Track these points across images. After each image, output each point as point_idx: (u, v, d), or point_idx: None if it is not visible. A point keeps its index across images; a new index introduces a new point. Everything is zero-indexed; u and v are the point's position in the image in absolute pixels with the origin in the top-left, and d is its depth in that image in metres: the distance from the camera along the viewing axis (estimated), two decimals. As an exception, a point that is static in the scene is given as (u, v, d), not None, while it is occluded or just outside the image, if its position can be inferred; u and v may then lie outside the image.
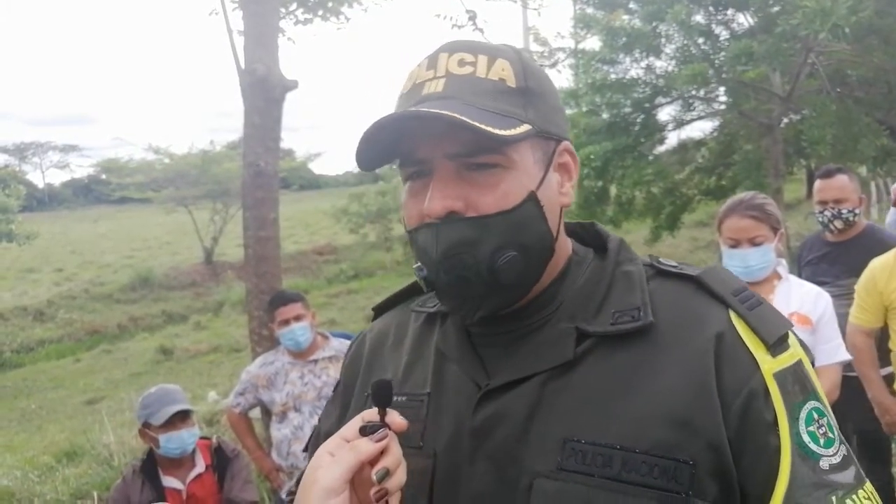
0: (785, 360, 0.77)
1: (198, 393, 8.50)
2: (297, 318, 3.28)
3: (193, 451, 2.82)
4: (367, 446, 0.71)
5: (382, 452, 0.72)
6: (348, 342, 3.76)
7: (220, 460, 2.88)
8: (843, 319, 2.62)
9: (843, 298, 2.90)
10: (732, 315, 0.78)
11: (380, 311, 1.06)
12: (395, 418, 0.75)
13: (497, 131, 0.73)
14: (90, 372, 13.07)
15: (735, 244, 2.27)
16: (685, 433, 0.72)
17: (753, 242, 2.24)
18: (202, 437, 2.92)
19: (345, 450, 0.72)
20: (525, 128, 0.77)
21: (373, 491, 0.71)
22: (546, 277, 0.84)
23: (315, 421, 3.21)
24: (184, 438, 2.73)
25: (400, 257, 20.23)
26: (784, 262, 2.41)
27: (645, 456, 0.71)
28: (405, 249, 20.53)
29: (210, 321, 15.83)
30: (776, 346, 0.77)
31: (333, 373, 3.29)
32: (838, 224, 3.11)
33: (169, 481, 2.77)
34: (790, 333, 0.80)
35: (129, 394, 9.24)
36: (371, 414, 0.75)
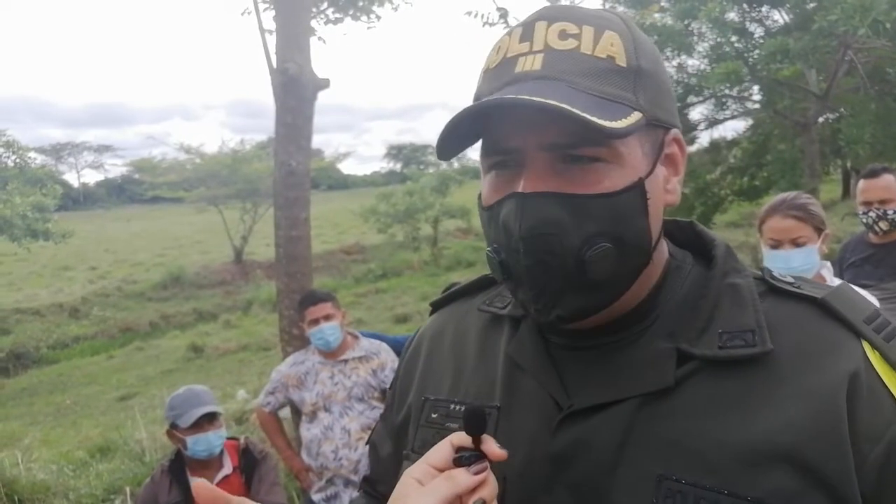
0: None
1: (227, 391, 8.59)
2: (327, 318, 3.27)
3: (221, 453, 2.82)
4: (466, 479, 0.64)
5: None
6: (378, 342, 3.75)
7: (248, 462, 2.88)
8: (888, 324, 2.53)
9: (888, 302, 2.80)
10: (866, 347, 0.66)
11: (438, 306, 0.96)
12: (494, 448, 0.66)
13: (606, 123, 0.62)
14: (123, 369, 13.30)
15: (777, 245, 2.20)
16: (806, 481, 0.61)
17: (796, 243, 2.17)
18: (230, 438, 2.92)
19: (440, 480, 0.64)
20: (636, 116, 0.66)
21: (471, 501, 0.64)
22: (642, 287, 0.72)
23: (345, 421, 3.22)
24: (211, 440, 2.73)
25: (427, 257, 20.28)
26: (828, 264, 2.34)
27: None
28: (432, 249, 20.58)
29: (239, 319, 16.02)
30: None
31: (363, 373, 3.28)
32: (883, 225, 3.01)
33: (196, 482, 2.78)
34: None
35: (160, 391, 9.37)
36: (461, 438, 0.67)
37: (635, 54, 0.69)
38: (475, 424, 0.66)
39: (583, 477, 0.68)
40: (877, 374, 0.65)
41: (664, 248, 0.76)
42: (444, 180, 22.03)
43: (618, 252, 0.67)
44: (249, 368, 11.08)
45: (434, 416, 0.81)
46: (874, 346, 0.66)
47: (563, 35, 0.68)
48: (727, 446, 0.64)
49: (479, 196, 0.75)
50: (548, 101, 0.61)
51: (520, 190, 0.66)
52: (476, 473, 0.64)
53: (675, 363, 0.68)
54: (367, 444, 0.99)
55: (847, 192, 19.33)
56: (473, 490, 0.64)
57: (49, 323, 17.55)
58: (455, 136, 0.69)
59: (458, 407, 0.79)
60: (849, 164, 17.10)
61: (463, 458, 0.66)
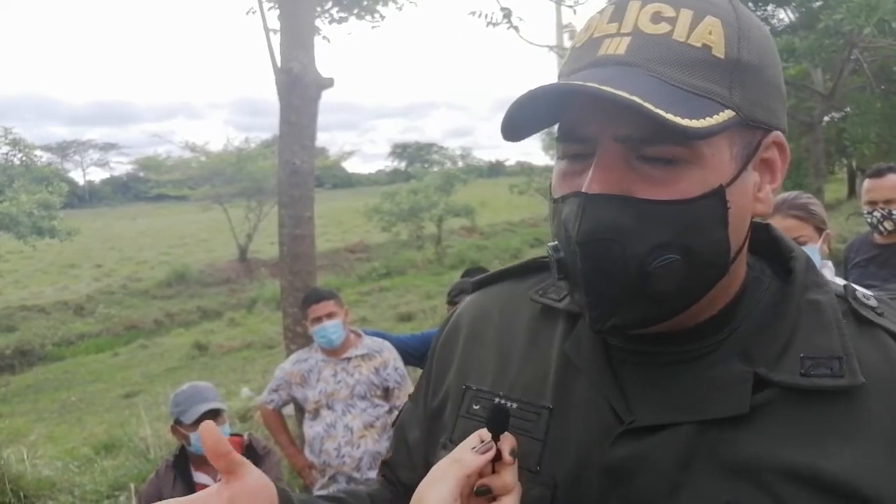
0: None
1: (231, 389, 8.61)
2: (330, 316, 3.28)
3: (225, 449, 2.84)
4: (471, 458, 0.63)
5: (494, 473, 0.65)
6: (381, 340, 3.76)
7: (251, 458, 2.86)
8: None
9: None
10: None
11: (482, 284, 0.89)
12: (506, 449, 0.64)
13: (685, 122, 0.56)
14: (127, 366, 13.34)
15: None
16: None
17: (797, 242, 2.17)
18: (233, 434, 2.94)
19: (446, 463, 0.65)
20: (727, 115, 0.60)
21: (477, 484, 0.64)
22: (718, 299, 0.67)
23: (347, 419, 3.23)
24: None
25: (431, 256, 20.28)
26: (830, 264, 2.34)
27: None
28: (436, 248, 20.58)
29: (244, 318, 16.04)
30: None
31: (366, 371, 3.29)
32: (888, 225, 3.01)
33: (200, 477, 2.79)
34: None
35: (164, 388, 9.40)
36: (486, 434, 0.66)
37: (737, 45, 0.62)
38: (498, 422, 0.65)
39: (641, 494, 0.64)
40: None
41: (744, 259, 0.71)
42: (449, 179, 22.03)
43: (687, 265, 0.61)
44: (253, 366, 11.10)
45: (476, 407, 0.77)
46: None
47: (657, 18, 0.62)
48: (800, 480, 0.60)
49: (549, 185, 0.71)
50: (618, 93, 0.56)
51: (584, 189, 0.62)
52: (482, 453, 0.64)
53: (751, 388, 0.63)
54: (393, 425, 0.95)
55: (852, 191, 19.27)
56: (481, 475, 0.64)
57: (54, 320, 17.61)
58: (526, 117, 0.64)
59: (503, 402, 0.74)
60: (854, 164, 17.05)
61: (482, 449, 0.66)
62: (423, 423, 0.87)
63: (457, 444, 0.70)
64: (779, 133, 0.67)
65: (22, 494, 5.02)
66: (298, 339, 3.87)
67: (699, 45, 0.61)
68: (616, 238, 0.61)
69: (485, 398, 0.77)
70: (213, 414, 2.75)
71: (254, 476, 0.71)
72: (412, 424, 0.89)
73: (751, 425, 0.63)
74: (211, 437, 0.68)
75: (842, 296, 0.69)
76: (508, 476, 0.64)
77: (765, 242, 0.75)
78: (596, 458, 0.66)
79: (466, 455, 0.64)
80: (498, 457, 0.65)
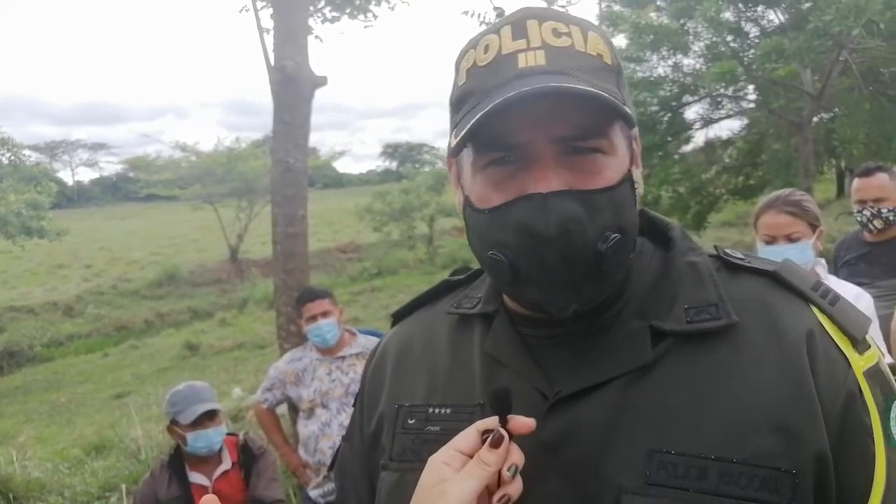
0: (870, 357, 0.71)
1: (223, 389, 8.58)
2: (325, 315, 3.27)
3: (220, 448, 2.83)
4: (495, 457, 0.66)
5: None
6: (376, 339, 3.76)
7: (247, 457, 2.89)
8: (883, 321, 2.55)
9: (882, 300, 2.82)
10: (816, 311, 0.72)
11: (400, 316, 0.97)
12: (521, 421, 0.68)
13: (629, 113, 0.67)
14: (118, 367, 13.27)
15: (771, 241, 2.22)
16: (786, 440, 0.66)
17: (790, 239, 2.19)
18: (229, 434, 2.93)
19: (473, 465, 0.66)
20: (627, 110, 0.69)
21: (497, 496, 0.66)
22: None
23: (342, 418, 3.22)
24: (211, 437, 2.74)
25: (423, 255, 20.27)
26: (823, 261, 2.36)
27: (744, 466, 0.65)
28: (428, 248, 20.57)
29: (235, 318, 15.99)
30: (862, 342, 0.71)
31: (360, 369, 3.26)
32: (878, 223, 3.03)
33: (195, 477, 2.78)
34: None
35: (155, 389, 9.36)
36: (487, 423, 0.69)
37: (613, 54, 0.73)
38: (502, 404, 0.68)
39: (575, 460, 0.70)
40: (828, 334, 0.71)
41: None
42: (440, 179, 22.00)
43: (624, 241, 0.70)
44: (245, 366, 11.07)
45: (411, 421, 0.81)
46: (822, 310, 0.72)
47: (557, 33, 0.70)
48: (710, 415, 0.68)
49: (466, 199, 0.74)
50: (591, 89, 0.64)
51: (533, 189, 0.67)
52: (496, 446, 0.66)
53: (649, 340, 0.72)
54: (329, 470, 1.00)
55: (841, 191, 19.41)
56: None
57: (43, 321, 17.48)
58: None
59: (437, 410, 0.80)
60: (843, 164, 17.17)
61: (493, 441, 0.67)
62: (362, 454, 0.89)
63: (398, 461, 0.77)
64: (636, 129, 0.77)
65: (11, 496, 4.99)
66: (292, 337, 3.86)
67: (595, 53, 0.71)
68: (577, 228, 0.67)
69: (418, 411, 0.81)
70: (211, 414, 2.74)
71: None
72: (352, 460, 0.92)
73: (657, 375, 0.70)
74: None
75: (714, 255, 0.79)
76: (517, 449, 0.68)
77: (644, 224, 0.82)
78: (528, 439, 0.70)
79: (490, 456, 0.66)
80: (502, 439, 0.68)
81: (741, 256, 0.79)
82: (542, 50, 0.69)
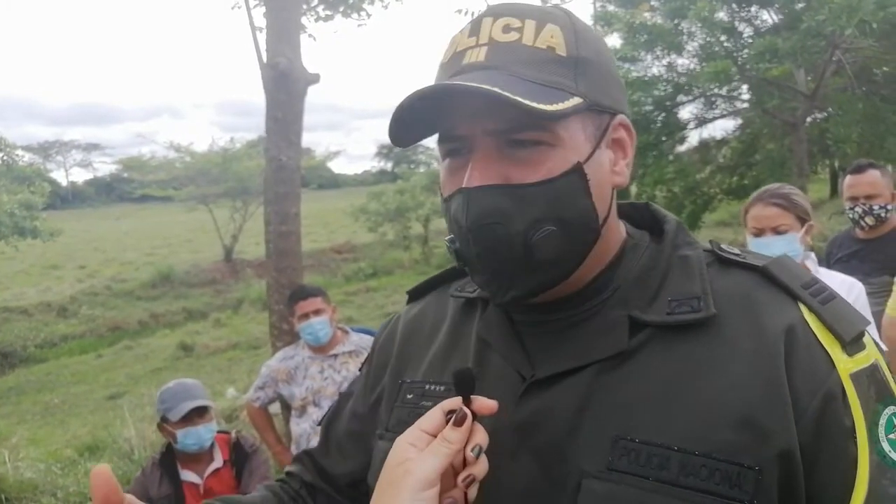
0: (862, 360, 0.70)
1: (217, 389, 8.55)
2: (317, 313, 3.26)
3: (212, 446, 2.82)
4: (457, 435, 0.68)
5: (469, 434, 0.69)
6: (368, 337, 3.76)
7: (239, 455, 2.87)
8: (875, 318, 2.55)
9: (875, 296, 2.82)
10: (804, 309, 0.71)
11: (415, 295, 1.00)
12: (484, 402, 0.70)
13: (542, 106, 0.66)
14: (111, 367, 13.21)
15: (759, 233, 2.22)
16: (751, 436, 0.65)
17: (777, 231, 2.19)
18: (221, 432, 2.92)
19: (437, 443, 0.68)
20: (575, 101, 0.70)
21: (461, 476, 0.68)
22: (597, 263, 0.77)
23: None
24: (201, 434, 2.73)
25: (418, 256, 20.26)
26: (813, 255, 2.36)
27: (706, 459, 0.65)
28: (423, 248, 20.56)
29: (229, 318, 15.95)
30: (852, 344, 0.70)
31: (353, 367, 3.28)
32: (869, 220, 3.03)
33: (187, 475, 2.77)
34: (866, 332, 0.72)
35: (149, 389, 9.31)
36: (451, 403, 0.71)
37: (576, 45, 0.73)
38: (464, 384, 0.70)
39: (545, 442, 0.72)
40: (812, 332, 0.70)
41: (621, 228, 0.82)
42: (435, 179, 21.99)
43: (562, 232, 0.71)
44: (239, 366, 11.04)
45: (409, 396, 0.86)
46: (811, 309, 0.71)
47: (507, 29, 0.72)
48: (678, 407, 0.68)
49: (440, 186, 0.79)
50: (481, 87, 0.65)
51: (464, 185, 0.71)
52: (458, 425, 0.68)
53: (627, 329, 0.73)
54: (318, 424, 1.03)
55: (835, 191, 19.46)
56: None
57: (37, 322, 17.40)
58: (411, 126, 0.73)
59: (433, 387, 0.83)
60: (837, 164, 17.23)
61: (456, 420, 0.69)
62: (362, 417, 0.94)
63: (394, 432, 0.77)
64: (623, 116, 0.78)
65: (4, 497, 4.97)
66: (284, 336, 3.85)
67: (545, 46, 0.72)
68: (499, 221, 0.70)
69: (416, 388, 0.86)
70: (201, 411, 2.73)
71: None
72: (347, 417, 0.97)
73: (633, 364, 0.71)
74: (103, 485, 0.71)
75: (709, 250, 0.79)
76: (481, 429, 0.70)
77: (647, 218, 0.85)
78: (505, 419, 0.73)
79: (452, 434, 0.68)
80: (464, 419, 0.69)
81: (737, 252, 0.79)
82: (486, 46, 0.72)
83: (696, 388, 0.68)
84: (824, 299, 0.72)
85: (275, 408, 3.75)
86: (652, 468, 0.66)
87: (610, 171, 0.77)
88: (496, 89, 0.65)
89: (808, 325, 0.70)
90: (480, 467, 0.69)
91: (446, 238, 0.77)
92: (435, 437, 0.69)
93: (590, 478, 0.68)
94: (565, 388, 0.73)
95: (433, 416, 0.70)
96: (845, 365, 0.68)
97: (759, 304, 0.72)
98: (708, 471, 0.65)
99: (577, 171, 0.72)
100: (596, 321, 0.75)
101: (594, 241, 0.75)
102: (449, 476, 0.68)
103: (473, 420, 0.69)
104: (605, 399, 0.71)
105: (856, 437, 0.67)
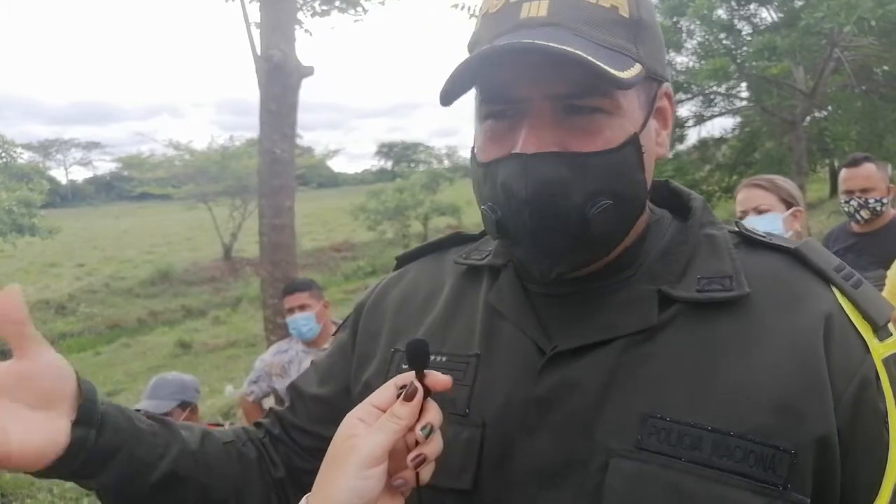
0: (891, 345, 0.69)
1: (214, 386, 8.55)
2: (302, 308, 3.25)
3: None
4: (406, 410, 0.64)
5: (421, 412, 0.65)
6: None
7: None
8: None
9: (869, 290, 2.82)
10: (837, 293, 0.70)
11: (405, 259, 0.95)
12: (437, 378, 0.66)
13: (617, 73, 0.62)
14: (110, 365, 13.20)
15: (742, 215, 2.23)
16: (788, 419, 0.63)
17: (758, 210, 2.20)
18: (212, 424, 2.90)
19: (385, 418, 0.64)
20: (638, 68, 0.66)
21: (411, 456, 0.64)
22: (629, 237, 0.74)
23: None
24: None
25: (417, 255, 20.25)
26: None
27: (740, 440, 0.63)
28: (422, 247, 20.57)
29: (228, 316, 15.94)
30: (884, 329, 0.69)
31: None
32: (865, 214, 3.02)
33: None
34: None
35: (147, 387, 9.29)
36: (404, 378, 0.67)
37: (637, 5, 0.68)
38: (419, 357, 0.66)
39: (567, 418, 0.68)
40: (847, 317, 0.68)
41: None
42: (435, 178, 22.03)
43: (617, 207, 0.68)
44: (237, 364, 11.03)
45: (405, 366, 0.80)
46: (843, 293, 0.70)
47: None
48: (711, 386, 0.66)
49: (473, 148, 0.74)
50: (565, 48, 0.60)
51: (519, 150, 0.66)
52: (408, 400, 0.64)
53: (657, 304, 0.70)
54: (287, 388, 0.97)
55: (834, 190, 19.44)
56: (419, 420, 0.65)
57: (35, 319, 17.07)
58: (458, 82, 0.67)
59: (433, 358, 0.76)
60: (836, 163, 17.23)
61: (406, 394, 0.65)
62: (343, 379, 0.88)
63: None
64: (668, 84, 0.75)
65: (0, 493, 4.96)
66: (278, 329, 3.85)
67: (608, 5, 0.67)
68: (559, 192, 0.65)
69: None
70: (183, 406, 2.71)
71: (49, 360, 0.69)
72: (310, 383, 0.91)
73: (661, 340, 0.69)
74: (8, 301, 0.66)
75: (735, 231, 0.77)
76: (436, 408, 0.66)
77: (666, 196, 0.82)
78: (523, 392, 0.70)
79: (402, 409, 0.64)
80: (427, 392, 0.65)
81: (762, 234, 0.77)
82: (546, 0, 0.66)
83: (728, 367, 0.66)
84: (856, 283, 0.71)
85: (268, 402, 3.73)
86: (684, 448, 0.64)
87: (655, 142, 0.74)
88: (580, 52, 0.60)
89: (842, 309, 0.69)
90: (432, 447, 0.65)
91: (484, 206, 0.71)
92: (385, 411, 0.65)
93: (618, 457, 0.65)
94: (591, 361, 0.69)
95: (385, 390, 0.67)
96: (878, 350, 0.67)
97: (792, 286, 0.70)
98: (742, 452, 0.63)
99: (634, 143, 0.68)
100: (621, 295, 0.72)
101: (640, 215, 0.73)
102: (402, 455, 0.65)
103: (426, 396, 0.65)
104: (633, 375, 0.68)
105: (888, 423, 0.66)
